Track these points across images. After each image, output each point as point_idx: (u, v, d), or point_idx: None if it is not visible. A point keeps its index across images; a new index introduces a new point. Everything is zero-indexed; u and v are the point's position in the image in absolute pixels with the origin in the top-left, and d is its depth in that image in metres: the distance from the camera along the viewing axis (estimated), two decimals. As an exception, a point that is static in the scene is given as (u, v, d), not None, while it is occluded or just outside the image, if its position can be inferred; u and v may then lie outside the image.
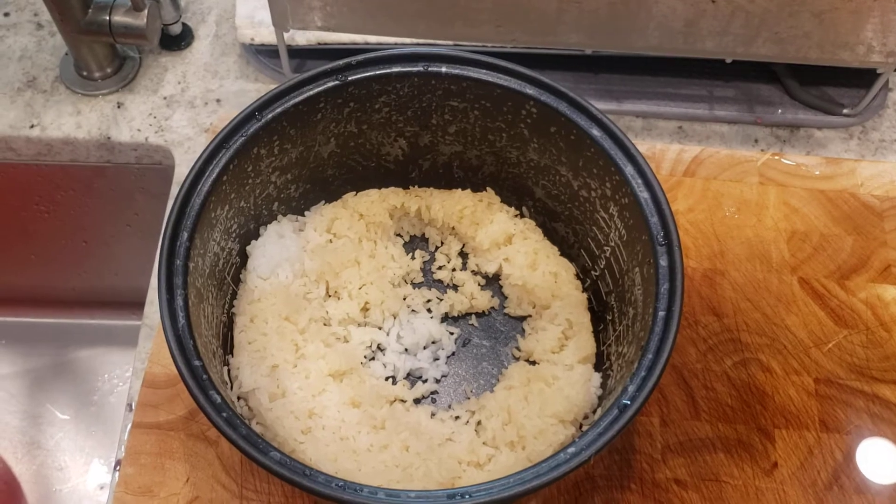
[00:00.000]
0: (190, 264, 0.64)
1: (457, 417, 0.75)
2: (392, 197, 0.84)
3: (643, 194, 0.74)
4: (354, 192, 0.84)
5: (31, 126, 0.93)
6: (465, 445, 0.71)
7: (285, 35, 0.87)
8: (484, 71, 0.78)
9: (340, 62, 0.76)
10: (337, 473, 0.70)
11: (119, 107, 0.96)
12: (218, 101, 0.98)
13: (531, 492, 0.62)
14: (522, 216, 0.85)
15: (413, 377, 0.79)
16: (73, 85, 0.96)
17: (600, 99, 0.92)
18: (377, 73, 0.78)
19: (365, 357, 0.78)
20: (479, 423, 0.74)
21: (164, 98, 0.96)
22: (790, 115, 0.96)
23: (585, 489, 0.77)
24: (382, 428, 0.72)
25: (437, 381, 0.79)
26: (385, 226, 0.84)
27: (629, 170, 0.75)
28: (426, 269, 0.85)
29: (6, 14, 1.00)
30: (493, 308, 0.84)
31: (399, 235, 0.86)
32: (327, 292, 0.80)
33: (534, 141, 0.74)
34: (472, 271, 0.85)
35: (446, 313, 0.82)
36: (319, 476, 0.56)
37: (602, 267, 0.79)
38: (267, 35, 0.92)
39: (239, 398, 0.72)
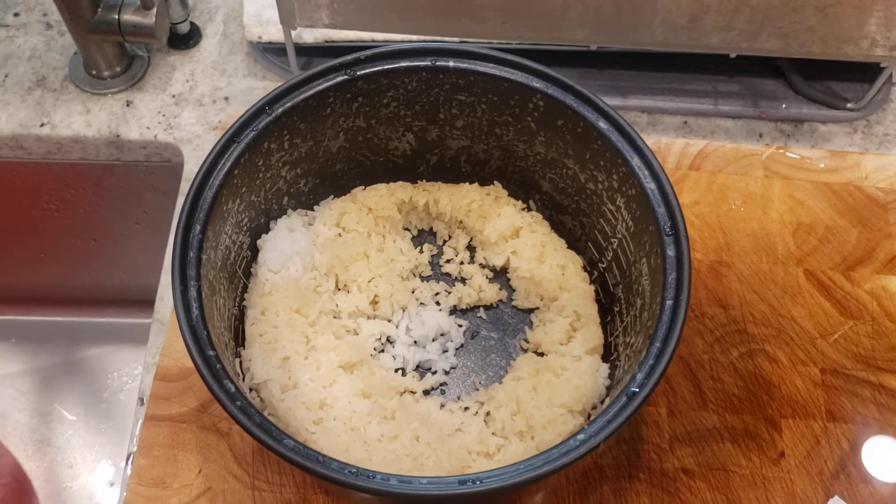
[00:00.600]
0: (203, 256, 0.65)
1: (466, 408, 0.75)
2: (400, 191, 0.84)
3: (650, 185, 0.75)
4: (363, 187, 0.84)
5: (42, 125, 0.94)
6: (475, 435, 0.71)
7: (293, 33, 0.87)
8: (491, 65, 0.78)
9: (349, 57, 0.77)
10: (349, 463, 0.71)
11: (128, 105, 0.97)
12: (226, 98, 0.99)
13: (541, 478, 0.63)
14: (530, 209, 0.85)
15: (422, 369, 0.79)
16: (83, 84, 0.96)
17: (606, 94, 0.93)
18: (385, 67, 0.78)
19: (375, 349, 0.78)
20: (487, 413, 0.74)
21: (173, 96, 0.97)
22: (794, 109, 0.96)
23: (594, 478, 0.77)
24: (392, 418, 0.72)
25: (447, 373, 0.79)
26: (393, 220, 0.84)
27: (636, 161, 0.75)
28: (434, 263, 0.85)
29: (16, 14, 1.01)
30: (501, 301, 0.84)
31: (407, 230, 0.86)
32: (337, 285, 0.80)
33: (541, 134, 0.75)
34: (480, 264, 0.85)
35: (455, 306, 0.83)
36: (333, 463, 0.57)
37: (609, 259, 0.79)
38: (274, 33, 0.92)
39: (251, 390, 0.72)
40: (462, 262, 0.85)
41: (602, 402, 0.72)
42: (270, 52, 0.98)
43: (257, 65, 1.00)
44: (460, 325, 0.81)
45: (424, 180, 0.85)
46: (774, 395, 0.82)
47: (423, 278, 0.84)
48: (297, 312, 0.76)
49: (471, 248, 0.85)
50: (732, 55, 0.88)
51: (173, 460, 0.78)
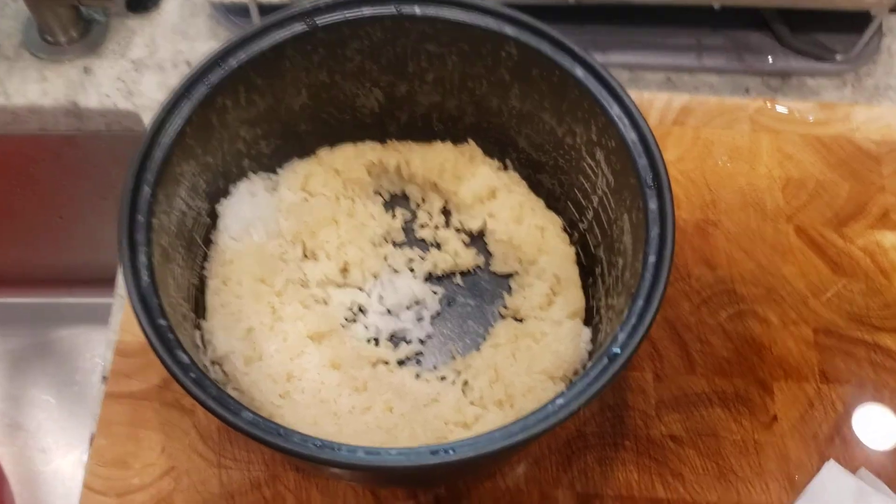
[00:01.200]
0: (153, 221, 0.61)
1: (443, 378, 0.73)
2: (369, 152, 0.81)
3: (630, 135, 0.70)
4: (329, 147, 0.80)
5: (-5, 94, 0.89)
6: (452, 405, 0.69)
7: (255, -9, 0.82)
8: (459, 11, 0.74)
9: (307, 5, 0.72)
10: (317, 436, 0.67)
11: (86, 72, 0.92)
12: (188, 63, 0.95)
13: (519, 446, 0.59)
14: (506, 169, 0.82)
15: (396, 339, 0.76)
16: (38, 51, 0.92)
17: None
18: (347, 16, 0.73)
19: (346, 319, 0.75)
20: (465, 382, 0.72)
21: (133, 62, 0.92)
22: (781, 63, 0.92)
23: (577, 447, 0.75)
24: (364, 390, 0.69)
25: (422, 342, 0.76)
26: (363, 183, 0.81)
27: (615, 110, 0.71)
28: (408, 228, 0.82)
29: (-36, -22, 0.95)
30: (478, 266, 0.81)
31: (378, 194, 0.83)
32: (304, 253, 0.77)
33: (515, 86, 0.71)
34: (456, 228, 0.82)
35: (430, 272, 0.80)
36: (294, 436, 0.52)
37: (590, 218, 0.76)
38: (237, -8, 0.86)
39: (213, 363, 0.69)
40: (437, 227, 0.82)
41: (584, 367, 0.69)
42: (234, 13, 0.94)
43: (220, 27, 0.96)
44: (435, 293, 0.78)
45: (395, 140, 0.81)
46: (766, 357, 0.80)
47: (395, 244, 0.81)
48: (261, 282, 0.73)
49: (446, 212, 0.82)
50: (717, 6, 0.84)
51: (134, 439, 0.75)
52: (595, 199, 0.74)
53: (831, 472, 0.67)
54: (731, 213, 0.88)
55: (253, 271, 0.73)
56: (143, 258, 0.65)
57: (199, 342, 0.69)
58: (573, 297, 0.76)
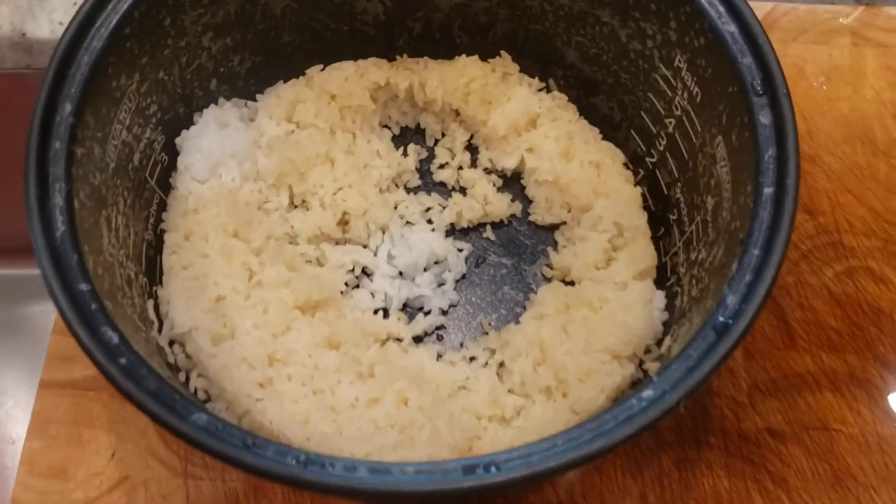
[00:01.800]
0: (77, 150, 0.51)
1: (472, 359, 0.63)
2: (373, 71, 0.69)
3: (728, 27, 0.54)
4: (322, 66, 0.69)
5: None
6: (485, 395, 0.59)
7: None
8: None
9: None
10: (309, 440, 0.55)
11: (34, -5, 0.87)
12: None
13: (590, 459, 0.41)
14: (549, 90, 0.71)
15: (411, 308, 0.66)
16: (-25, -31, 0.82)
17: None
18: None
19: (346, 284, 0.65)
20: (501, 364, 0.62)
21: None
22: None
23: (649, 447, 0.63)
24: (371, 376, 0.59)
25: (444, 313, 0.66)
26: (366, 111, 0.69)
27: (704, -6, 0.54)
28: (423, 169, 0.72)
29: None
30: (513, 215, 0.70)
31: (386, 127, 0.72)
32: (291, 200, 0.66)
33: (563, -24, 0.62)
34: (485, 169, 0.71)
35: (452, 224, 0.69)
36: (269, 448, 0.37)
37: (662, 149, 0.64)
38: None
39: (172, 343, 0.59)
40: (461, 167, 0.71)
41: (659, 343, 0.60)
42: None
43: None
44: (460, 250, 0.68)
45: (406, 56, 0.70)
46: (885, 326, 0.67)
47: (408, 189, 0.71)
48: (234, 237, 0.63)
49: (472, 148, 0.72)
50: None
51: (77, 441, 0.63)
52: (671, 123, 0.63)
53: None
54: (833, 147, 0.76)
55: (223, 223, 0.62)
56: (58, 199, 0.49)
57: (151, 315, 0.59)
58: (641, 251, 0.64)
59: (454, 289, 0.67)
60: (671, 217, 0.65)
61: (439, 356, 0.63)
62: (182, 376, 0.59)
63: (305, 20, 0.66)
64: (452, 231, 0.70)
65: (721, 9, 0.55)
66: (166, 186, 0.64)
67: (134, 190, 0.59)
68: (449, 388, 0.60)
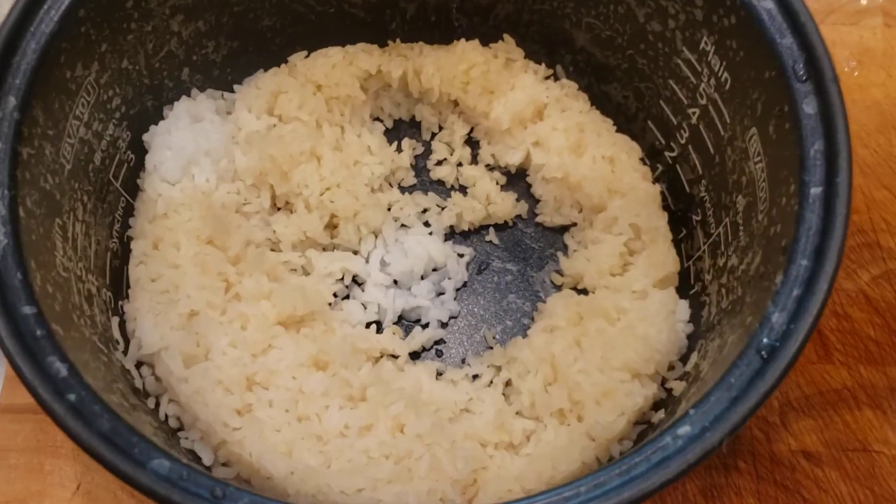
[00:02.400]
0: (23, 150, 0.45)
1: (475, 377, 0.60)
2: (363, 58, 0.65)
3: (764, 4, 0.48)
4: (306, 53, 0.66)
5: None
6: (490, 418, 0.55)
7: None
8: None
9: None
10: (293, 474, 0.50)
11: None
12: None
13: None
14: (557, 78, 0.67)
15: (407, 321, 0.63)
16: None
17: None
18: None
19: (335, 295, 0.62)
20: (507, 383, 0.59)
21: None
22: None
23: None
24: (362, 399, 0.55)
25: (444, 326, 0.63)
26: (355, 103, 0.66)
27: (737, -34, 0.49)
28: (419, 166, 0.68)
29: None
30: (519, 216, 0.67)
31: (378, 120, 0.69)
32: (273, 202, 0.63)
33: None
34: (487, 165, 0.68)
35: (452, 227, 0.66)
36: (241, 499, 0.32)
37: (684, 142, 0.60)
38: None
39: (141, 364, 0.55)
40: (460, 164, 0.68)
41: (684, 358, 0.56)
42: None
43: None
44: (461, 255, 0.65)
45: (399, 41, 0.67)
46: None
47: (403, 189, 0.68)
48: (209, 244, 0.59)
49: (472, 143, 0.68)
50: None
51: (38, 472, 0.59)
52: (694, 113, 0.58)
53: None
54: (866, 138, 0.70)
55: (197, 229, 0.59)
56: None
57: (116, 334, 0.55)
58: (661, 256, 0.61)
59: (454, 298, 0.64)
60: (694, 218, 0.61)
61: (439, 374, 0.60)
62: (151, 402, 0.54)
63: (287, 1, 0.62)
64: (452, 234, 0.67)
65: (756, -18, 0.49)
66: (133, 189, 0.61)
67: (95, 193, 0.55)
68: (450, 410, 0.56)
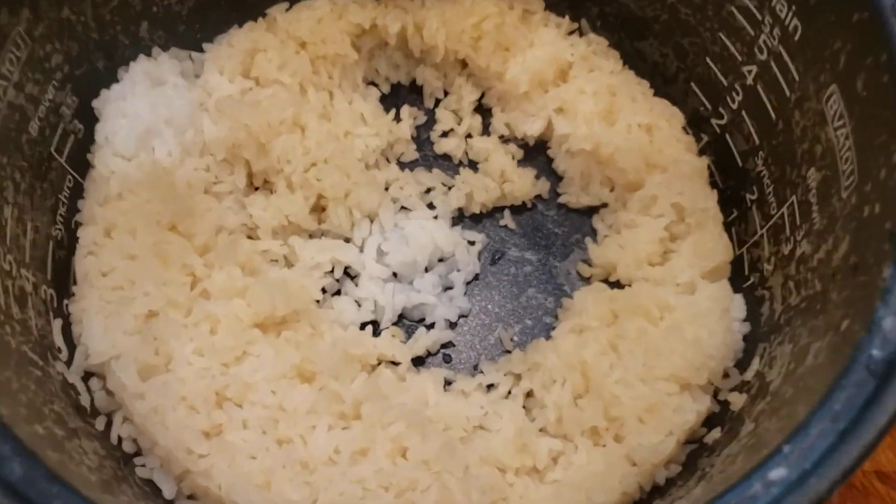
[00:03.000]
0: None
1: (490, 387, 0.55)
2: (355, 10, 0.60)
3: None
4: (288, 5, 0.61)
5: None
6: (510, 437, 0.50)
7: None
8: None
9: None
10: None
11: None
12: None
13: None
14: (583, 33, 0.62)
15: (409, 321, 0.59)
16: None
17: None
18: None
19: (323, 291, 0.57)
20: (529, 394, 0.54)
21: None
22: None
23: None
24: (356, 418, 0.51)
25: (452, 326, 0.59)
26: (346, 63, 0.61)
27: None
28: (422, 138, 0.64)
29: None
30: (539, 196, 0.62)
31: (373, 84, 0.64)
32: (249, 181, 0.59)
33: None
34: (501, 136, 0.63)
35: (461, 210, 0.62)
36: None
37: (736, 106, 0.55)
38: None
39: (89, 376, 0.50)
40: (469, 135, 0.63)
41: (741, 365, 0.51)
42: None
43: None
44: (472, 243, 0.61)
45: None
46: None
47: (403, 165, 0.63)
48: (172, 230, 0.54)
49: (483, 110, 0.64)
50: None
51: None
52: (751, 71, 0.52)
53: None
54: None
55: (157, 213, 0.54)
56: None
57: (58, 341, 0.49)
58: (711, 242, 0.56)
59: (464, 294, 0.60)
60: (749, 197, 0.55)
61: (447, 384, 0.55)
62: (102, 422, 0.48)
63: (265, -57, 0.57)
64: (461, 218, 0.62)
65: None
66: (82, 165, 0.55)
67: (32, 170, 0.49)
68: (461, 428, 0.51)
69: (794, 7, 0.46)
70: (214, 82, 0.58)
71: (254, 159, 0.57)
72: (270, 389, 0.49)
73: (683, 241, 0.57)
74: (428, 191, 0.61)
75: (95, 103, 0.55)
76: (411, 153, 0.63)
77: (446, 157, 0.63)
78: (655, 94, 0.60)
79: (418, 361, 0.57)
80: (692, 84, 0.58)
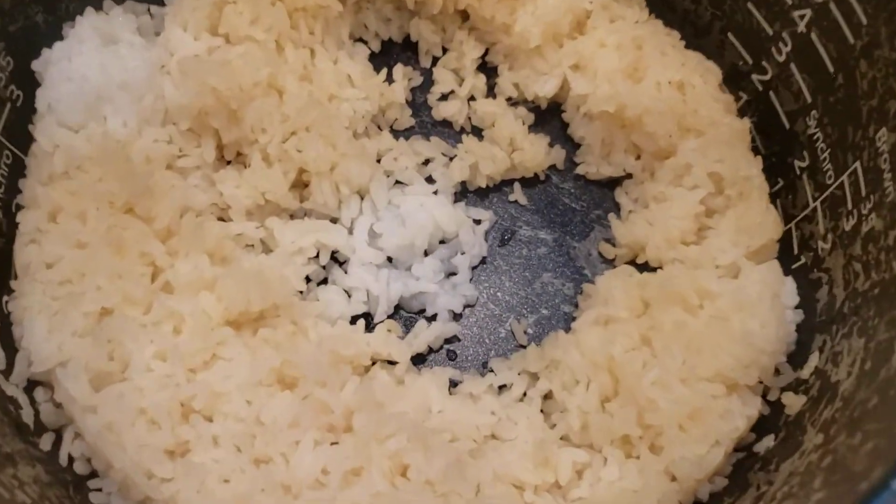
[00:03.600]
0: None
1: (502, 388, 0.51)
2: None
3: None
4: None
5: None
6: (528, 449, 0.45)
7: None
8: None
9: None
10: None
11: None
12: None
13: None
14: None
15: (407, 313, 0.54)
16: None
17: None
18: None
19: (307, 280, 0.53)
20: (547, 396, 0.49)
21: None
22: None
23: None
24: (348, 430, 0.46)
25: (457, 318, 0.54)
26: (329, 16, 0.57)
27: None
28: (418, 102, 0.59)
29: None
30: (553, 167, 0.58)
31: (361, 41, 0.59)
32: (219, 153, 0.54)
33: None
34: (509, 99, 0.59)
35: (464, 184, 0.57)
36: None
37: (783, 59, 0.49)
38: None
39: (34, 385, 0.46)
40: (472, 97, 0.60)
41: (794, 360, 0.45)
42: None
43: None
44: (478, 222, 0.57)
45: None
46: None
47: (397, 133, 0.59)
48: (128, 213, 0.50)
49: (487, 69, 0.60)
50: None
51: None
52: (804, 16, 0.48)
53: None
54: None
55: (110, 192, 0.49)
56: None
57: None
58: (757, 216, 0.52)
59: (470, 280, 0.55)
60: (797, 164, 0.51)
61: (453, 386, 0.51)
62: (47, 441, 0.43)
63: None
64: (464, 193, 0.58)
65: None
66: (22, 138, 0.50)
67: None
68: (470, 439, 0.47)
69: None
70: (177, 40, 0.53)
71: (224, 128, 0.52)
72: (245, 399, 0.45)
73: (723, 216, 0.53)
74: (426, 162, 0.57)
75: (35, 65, 0.51)
76: (406, 119, 0.59)
77: (446, 123, 0.58)
78: (687, 47, 0.56)
79: (418, 360, 0.52)
80: (729, 34, 0.53)
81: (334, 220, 0.54)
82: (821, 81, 0.47)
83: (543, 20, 0.54)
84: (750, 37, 0.52)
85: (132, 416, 0.43)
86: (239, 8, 0.53)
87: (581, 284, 0.54)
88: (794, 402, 0.42)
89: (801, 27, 0.48)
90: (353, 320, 0.52)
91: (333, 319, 0.51)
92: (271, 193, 0.52)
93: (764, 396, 0.46)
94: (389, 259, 0.55)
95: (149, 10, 0.56)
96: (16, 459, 0.36)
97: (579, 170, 0.57)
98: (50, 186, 0.49)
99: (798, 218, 0.51)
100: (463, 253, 0.55)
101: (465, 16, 0.58)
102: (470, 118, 0.58)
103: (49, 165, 0.49)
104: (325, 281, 0.53)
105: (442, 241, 0.56)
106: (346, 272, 0.53)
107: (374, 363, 0.50)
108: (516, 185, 0.57)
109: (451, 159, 0.57)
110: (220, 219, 0.52)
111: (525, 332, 0.53)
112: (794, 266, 0.50)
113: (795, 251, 0.50)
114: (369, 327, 0.52)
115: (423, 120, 0.59)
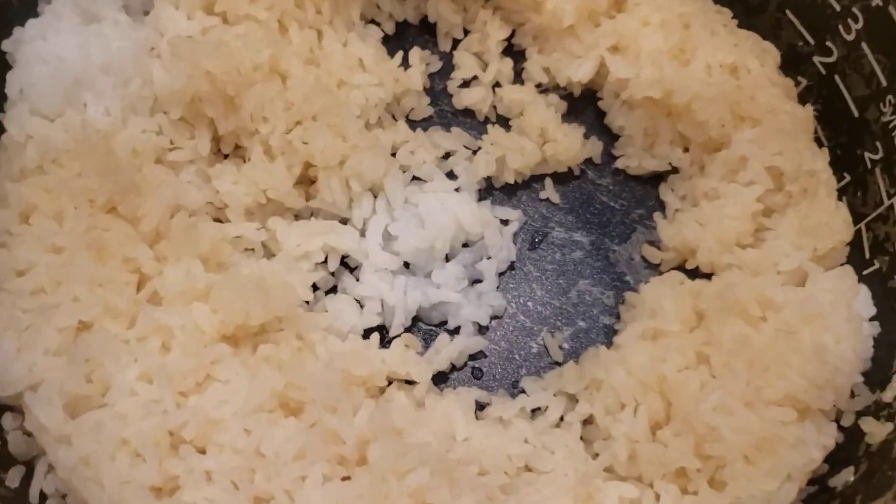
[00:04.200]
0: None
1: (535, 411, 0.47)
2: None
3: None
4: None
5: None
6: (569, 483, 0.42)
7: None
8: None
9: None
10: None
11: None
12: None
13: None
14: None
15: (427, 326, 0.51)
16: None
17: None
18: None
19: (314, 288, 0.50)
20: (587, 421, 0.45)
21: None
22: None
23: None
24: (361, 463, 0.42)
25: (483, 331, 0.51)
26: None
27: None
28: (437, 89, 0.56)
29: None
30: (589, 161, 0.54)
31: (374, 22, 0.56)
32: (215, 145, 0.51)
33: None
34: (538, 85, 0.57)
35: (489, 180, 0.54)
36: None
37: (853, 37, 0.48)
38: None
39: (2, 410, 0.43)
40: (498, 84, 0.57)
41: (871, 378, 0.41)
42: None
43: None
44: (505, 222, 0.53)
45: None
46: None
47: (414, 124, 0.55)
48: (111, 213, 0.47)
49: (514, 53, 0.56)
50: None
51: None
52: None
53: None
54: None
55: (90, 190, 0.46)
56: None
57: None
58: (823, 216, 0.49)
59: (497, 288, 0.52)
60: (868, 156, 0.48)
61: (480, 409, 0.47)
62: (16, 476, 0.39)
63: None
64: (490, 191, 0.55)
65: None
66: None
67: None
68: (502, 472, 0.43)
69: None
70: (168, 19, 0.51)
71: (220, 118, 0.49)
72: (243, 427, 0.42)
73: (783, 215, 0.49)
74: (447, 156, 0.54)
75: (6, 45, 0.49)
76: (424, 108, 0.56)
77: (468, 112, 0.55)
78: (739, 27, 0.54)
79: (440, 379, 0.49)
80: (787, 12, 0.52)
81: (344, 221, 0.52)
82: (898, 62, 0.42)
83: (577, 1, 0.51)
84: (812, 14, 0.51)
85: (112, 447, 0.40)
86: (239, -15, 0.46)
87: (622, 293, 0.50)
88: (876, 430, 0.38)
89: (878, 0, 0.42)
90: (367, 334, 0.49)
91: (344, 334, 0.48)
92: (273, 191, 0.49)
93: (836, 421, 0.40)
94: (406, 265, 0.52)
95: (136, -16, 0.49)
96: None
97: (618, 164, 0.53)
98: (22, 182, 0.46)
99: (870, 217, 0.48)
100: (489, 257, 0.52)
101: (489, -5, 0.51)
102: (495, 107, 0.55)
103: (21, 159, 0.47)
104: (334, 289, 0.50)
105: (465, 245, 0.53)
106: (357, 279, 0.50)
107: (389, 384, 0.47)
108: (548, 181, 0.54)
109: (474, 152, 0.54)
110: (216, 219, 0.50)
111: (560, 348, 0.49)
112: (865, 272, 0.45)
113: (867, 255, 0.46)
114: (384, 342, 0.49)
115: (442, 109, 0.56)
